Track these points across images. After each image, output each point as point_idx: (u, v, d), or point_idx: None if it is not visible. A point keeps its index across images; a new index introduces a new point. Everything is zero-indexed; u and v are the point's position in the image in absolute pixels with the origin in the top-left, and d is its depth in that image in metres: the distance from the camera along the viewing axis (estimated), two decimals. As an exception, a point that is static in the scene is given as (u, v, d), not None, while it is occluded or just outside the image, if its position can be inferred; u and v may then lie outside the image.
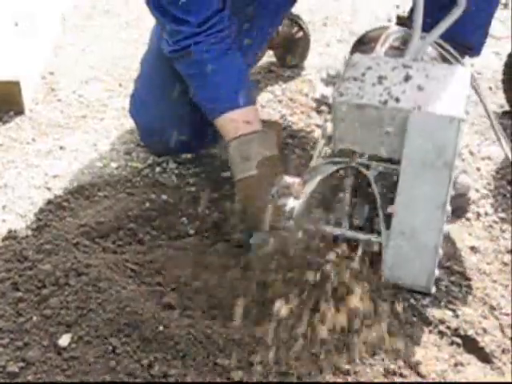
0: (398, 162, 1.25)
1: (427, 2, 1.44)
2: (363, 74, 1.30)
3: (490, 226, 1.59)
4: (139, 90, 1.72)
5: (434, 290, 1.29)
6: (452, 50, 1.49)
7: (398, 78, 1.28)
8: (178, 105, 1.58)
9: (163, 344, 1.16)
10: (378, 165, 1.28)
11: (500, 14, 2.44)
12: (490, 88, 2.18)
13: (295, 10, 2.06)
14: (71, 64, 2.20)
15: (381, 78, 1.28)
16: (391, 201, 1.26)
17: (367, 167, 1.29)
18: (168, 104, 1.60)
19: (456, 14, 1.43)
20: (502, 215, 1.63)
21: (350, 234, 1.31)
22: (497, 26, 2.39)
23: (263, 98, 2.05)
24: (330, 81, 1.50)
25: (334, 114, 1.28)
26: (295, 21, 2.19)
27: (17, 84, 1.90)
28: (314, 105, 1.96)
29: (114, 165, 1.74)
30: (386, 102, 1.23)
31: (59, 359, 1.14)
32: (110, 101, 2.02)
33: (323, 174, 1.32)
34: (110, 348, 1.15)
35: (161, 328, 1.17)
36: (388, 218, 1.26)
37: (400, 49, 1.43)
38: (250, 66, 1.81)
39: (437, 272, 1.28)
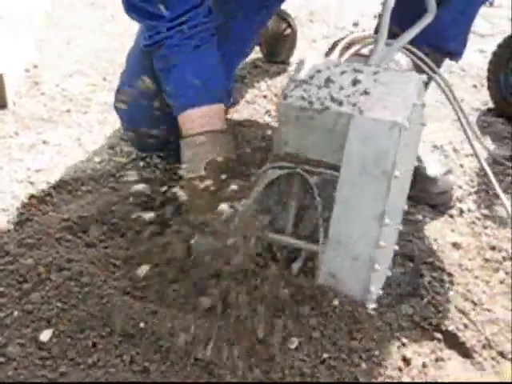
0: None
1: (407, 9, 1.40)
2: (311, 77, 1.24)
3: (473, 223, 1.60)
4: (124, 85, 1.71)
5: (371, 305, 1.21)
6: (424, 56, 1.44)
7: (346, 81, 1.22)
8: (163, 100, 1.57)
9: (145, 339, 1.15)
10: (321, 171, 1.22)
11: (485, 11, 2.46)
12: (475, 86, 2.20)
13: (282, 5, 2.06)
14: (55, 57, 2.18)
15: (328, 82, 1.22)
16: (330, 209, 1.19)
17: (312, 173, 1.23)
18: (152, 99, 1.59)
19: (426, 21, 1.39)
20: (485, 212, 1.64)
21: (293, 241, 1.25)
22: (481, 23, 2.41)
23: (249, 93, 2.05)
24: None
25: (279, 116, 1.24)
26: (283, 17, 2.20)
27: (0, 77, 1.88)
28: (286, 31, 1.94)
29: (97, 159, 1.73)
30: (328, 106, 1.18)
31: (40, 354, 1.14)
32: (94, 95, 2.01)
33: (268, 179, 1.26)
34: (91, 343, 1.15)
35: (142, 324, 1.17)
36: (326, 228, 1.20)
37: (367, 56, 1.37)
38: (238, 62, 1.80)
39: (379, 288, 1.23)
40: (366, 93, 1.18)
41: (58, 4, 2.50)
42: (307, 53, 1.82)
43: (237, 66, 1.83)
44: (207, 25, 1.50)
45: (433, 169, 1.64)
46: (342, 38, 1.45)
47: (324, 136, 1.20)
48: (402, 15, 1.42)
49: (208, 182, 1.37)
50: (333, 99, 1.19)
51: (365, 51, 1.39)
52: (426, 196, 1.63)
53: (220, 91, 1.53)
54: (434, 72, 1.44)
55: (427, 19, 1.40)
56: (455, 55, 1.67)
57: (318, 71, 1.25)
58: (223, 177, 1.39)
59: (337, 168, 1.18)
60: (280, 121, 1.24)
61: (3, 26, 2.11)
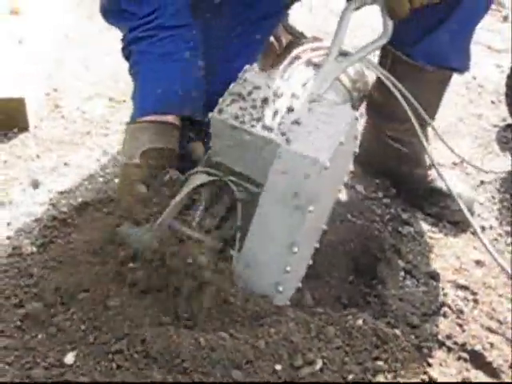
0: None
1: (411, 22, 1.41)
2: (249, 93, 1.25)
3: (495, 240, 1.59)
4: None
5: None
6: (385, 75, 1.44)
7: (282, 106, 1.22)
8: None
9: (169, 361, 1.15)
10: (245, 186, 1.25)
11: (500, 26, 2.45)
12: (493, 102, 2.19)
13: (296, 25, 2.08)
14: (74, 80, 2.21)
15: (264, 102, 1.23)
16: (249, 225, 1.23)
17: (237, 185, 1.26)
18: None
19: (378, 43, 1.38)
20: (507, 228, 1.63)
21: (199, 236, 1.27)
22: (497, 39, 2.40)
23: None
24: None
25: (212, 128, 1.26)
26: (297, 37, 2.20)
27: (21, 101, 1.91)
28: None
29: (117, 181, 1.74)
30: (258, 130, 1.20)
31: (64, 377, 1.14)
32: (114, 116, 2.02)
33: (196, 182, 1.29)
34: (115, 365, 1.15)
35: (167, 345, 1.17)
36: (243, 240, 1.23)
37: (317, 66, 1.38)
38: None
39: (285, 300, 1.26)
40: (297, 123, 1.20)
41: (76, 28, 2.53)
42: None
43: None
44: (180, 30, 1.46)
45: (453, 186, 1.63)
46: (299, 44, 1.49)
47: (252, 156, 1.23)
48: (402, 37, 1.43)
49: (140, 171, 1.37)
50: (264, 124, 1.20)
51: (316, 60, 1.40)
52: (447, 213, 1.63)
53: (182, 103, 1.47)
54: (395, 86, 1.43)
55: (380, 42, 1.38)
56: (460, 70, 1.67)
57: (257, 87, 1.26)
58: (161, 167, 1.37)
59: (260, 186, 1.21)
60: (212, 133, 1.26)
61: (23, 50, 2.15)
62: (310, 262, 1.31)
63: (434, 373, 1.19)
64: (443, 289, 1.38)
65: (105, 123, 2.00)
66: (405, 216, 1.64)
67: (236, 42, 1.65)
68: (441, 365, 1.21)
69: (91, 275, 1.31)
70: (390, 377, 1.14)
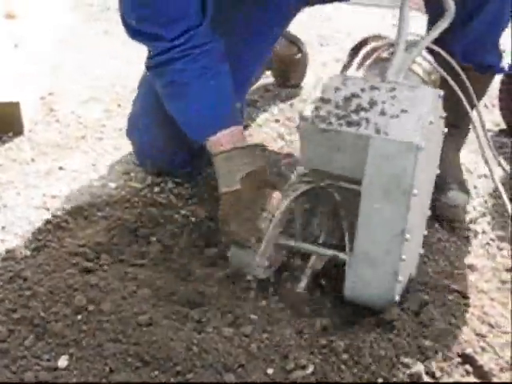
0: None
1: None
2: (330, 96, 1.27)
3: (488, 244, 1.60)
4: (136, 112, 1.73)
5: (396, 300, 1.29)
6: (449, 58, 1.44)
7: (364, 101, 1.25)
8: (174, 126, 1.59)
9: (162, 365, 1.16)
10: (344, 186, 1.28)
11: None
12: (486, 106, 2.20)
13: (292, 30, 2.09)
14: (70, 84, 2.21)
15: (347, 101, 1.26)
16: (354, 223, 1.25)
17: (336, 188, 1.29)
18: (164, 126, 1.61)
19: (445, 23, 1.38)
20: (500, 233, 1.63)
21: (318, 249, 1.35)
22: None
23: (261, 117, 2.06)
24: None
25: (300, 136, 1.28)
26: (293, 41, 2.22)
27: (16, 105, 1.91)
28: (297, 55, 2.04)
29: (112, 185, 1.74)
30: (347, 127, 1.22)
31: (58, 380, 1.14)
32: (109, 121, 2.03)
33: (294, 193, 1.33)
34: (108, 369, 1.15)
35: (160, 348, 1.17)
36: (351, 240, 1.27)
37: (386, 60, 1.39)
38: (247, 85, 1.81)
39: (397, 297, 1.29)
40: (383, 113, 1.22)
41: (72, 32, 2.54)
42: (322, 73, 1.83)
43: (247, 91, 1.84)
44: (211, 44, 1.48)
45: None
46: (361, 44, 1.48)
47: (345, 155, 1.25)
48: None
49: (245, 195, 1.41)
50: (351, 120, 1.22)
51: (385, 55, 1.41)
52: (438, 205, 1.62)
53: (237, 112, 1.54)
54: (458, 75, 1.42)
55: (446, 20, 1.37)
56: (494, 68, 1.69)
57: (337, 89, 1.28)
58: (259, 188, 1.42)
59: (359, 183, 1.23)
60: (302, 140, 1.29)
61: (19, 54, 2.15)
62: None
63: (427, 376, 1.19)
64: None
65: (100, 127, 2.00)
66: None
67: (247, 52, 1.67)
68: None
69: (84, 278, 1.31)
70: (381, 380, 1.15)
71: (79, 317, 1.23)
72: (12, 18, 2.33)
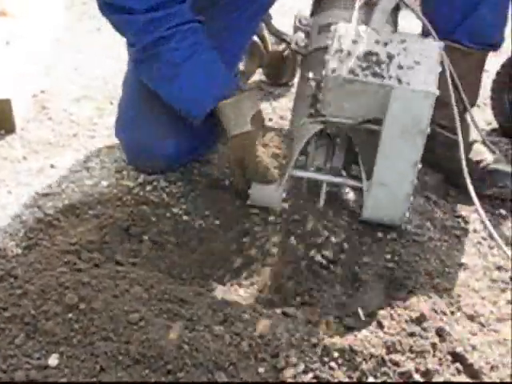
0: (376, 123, 1.45)
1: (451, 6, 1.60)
2: (350, 49, 1.44)
3: (479, 243, 1.60)
4: (122, 112, 1.73)
5: (408, 225, 1.56)
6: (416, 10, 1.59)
7: (381, 53, 1.44)
8: (162, 122, 1.59)
9: (153, 363, 1.16)
10: (358, 125, 1.46)
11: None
12: (478, 105, 2.20)
13: (280, 26, 2.08)
14: (62, 82, 2.20)
15: (367, 54, 1.44)
16: (370, 155, 1.47)
17: (350, 128, 1.48)
18: (151, 122, 1.61)
19: None
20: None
21: (334, 179, 1.55)
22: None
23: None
24: (302, 29, 1.66)
25: (325, 85, 1.43)
26: (283, 39, 2.21)
27: (8, 102, 1.91)
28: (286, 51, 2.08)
29: (104, 183, 1.74)
30: (371, 76, 1.41)
31: (48, 379, 1.14)
32: (101, 119, 2.02)
33: (312, 131, 1.51)
34: (99, 367, 1.15)
35: (150, 347, 1.17)
36: (369, 170, 1.49)
37: (369, 4, 1.56)
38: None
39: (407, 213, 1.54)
40: (399, 65, 1.42)
41: (64, 29, 2.53)
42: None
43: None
44: (195, 22, 1.52)
45: (505, 165, 1.75)
46: None
47: (366, 102, 1.44)
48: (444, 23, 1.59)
49: (254, 135, 1.53)
50: (374, 72, 1.41)
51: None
52: (507, 191, 1.71)
53: (234, 78, 1.61)
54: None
55: None
56: (497, 46, 1.75)
57: (355, 41, 1.46)
58: (263, 127, 1.57)
59: (373, 121, 1.45)
60: (325, 88, 1.44)
61: (11, 51, 2.14)
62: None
63: (417, 374, 1.20)
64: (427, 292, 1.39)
65: (92, 125, 1.99)
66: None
67: (221, 42, 1.65)
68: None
69: (75, 277, 1.31)
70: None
71: (70, 315, 1.23)
72: (4, 16, 2.32)
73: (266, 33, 2.06)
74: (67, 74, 2.25)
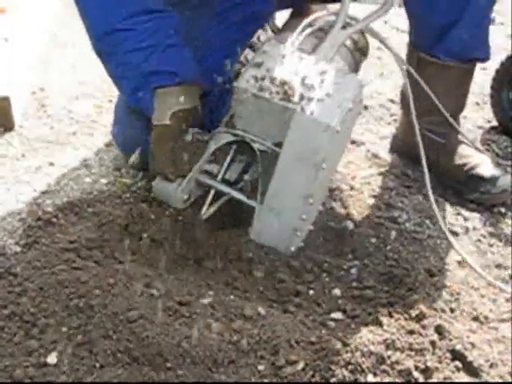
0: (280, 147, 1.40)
1: (429, 23, 1.60)
2: (268, 65, 1.41)
3: (478, 241, 1.61)
4: (118, 113, 1.73)
5: (292, 251, 1.47)
6: (386, 43, 1.59)
7: (297, 76, 1.38)
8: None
9: (152, 361, 1.16)
10: (266, 144, 1.43)
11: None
12: (477, 103, 2.21)
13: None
14: (61, 80, 2.20)
15: (281, 73, 1.38)
16: (269, 179, 1.42)
17: (258, 143, 1.44)
18: (143, 125, 1.61)
19: (381, 12, 1.53)
20: (490, 230, 1.64)
21: (233, 192, 1.50)
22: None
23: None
24: (257, 46, 1.59)
25: (236, 95, 1.43)
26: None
27: (6, 100, 1.90)
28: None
29: (103, 181, 1.74)
30: (278, 98, 1.38)
31: (47, 377, 1.14)
32: (100, 117, 2.02)
33: (221, 141, 1.49)
34: (98, 365, 1.15)
35: (149, 344, 1.17)
36: (264, 192, 1.43)
37: (326, 31, 1.51)
38: (213, 77, 1.76)
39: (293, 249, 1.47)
40: (309, 98, 1.36)
41: (63, 26, 2.53)
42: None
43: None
44: (158, 19, 1.50)
45: (489, 170, 1.73)
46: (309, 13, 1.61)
47: (270, 120, 1.41)
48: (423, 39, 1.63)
49: (171, 131, 1.51)
50: (284, 92, 1.37)
51: (323, 26, 1.53)
52: (488, 197, 1.70)
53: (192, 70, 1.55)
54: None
55: (384, 10, 1.52)
56: (483, 59, 1.75)
57: (276, 57, 1.41)
58: (187, 125, 1.53)
59: (278, 145, 1.40)
60: (236, 100, 1.43)
61: (9, 48, 2.14)
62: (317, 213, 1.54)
63: (416, 373, 1.19)
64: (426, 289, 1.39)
65: (91, 123, 1.99)
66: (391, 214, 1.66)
67: (216, 40, 1.67)
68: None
69: (74, 275, 1.31)
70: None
71: (69, 313, 1.23)
72: (2, 13, 2.32)
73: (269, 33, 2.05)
74: (66, 72, 2.25)
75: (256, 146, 1.45)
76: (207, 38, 1.63)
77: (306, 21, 1.51)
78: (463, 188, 1.74)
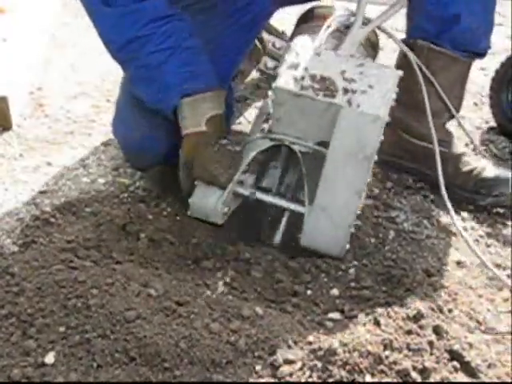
0: (325, 146, 1.39)
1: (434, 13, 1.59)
2: (305, 65, 1.40)
3: (476, 241, 1.60)
4: (119, 112, 1.73)
5: (345, 252, 1.45)
6: (399, 40, 1.61)
7: (336, 71, 1.39)
8: (156, 123, 1.58)
9: (150, 361, 1.16)
10: (308, 145, 1.41)
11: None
12: (476, 104, 2.21)
13: (280, 26, 2.09)
14: (59, 79, 2.20)
15: (320, 70, 1.39)
16: (316, 179, 1.39)
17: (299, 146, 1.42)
18: (145, 124, 1.61)
19: (396, 9, 1.54)
20: (488, 230, 1.64)
21: (278, 201, 1.47)
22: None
23: (250, 113, 2.06)
24: (274, 53, 1.58)
25: (275, 98, 1.40)
26: (283, 39, 2.21)
27: (4, 100, 1.90)
28: (258, 74, 2.03)
29: (101, 180, 1.74)
30: (322, 95, 1.36)
31: (45, 377, 1.14)
32: (98, 117, 2.02)
33: (259, 147, 1.44)
34: (96, 365, 1.15)
35: (147, 344, 1.17)
36: (312, 193, 1.41)
37: (341, 31, 1.54)
38: (228, 79, 1.79)
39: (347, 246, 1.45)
40: (353, 91, 1.37)
41: (61, 26, 2.52)
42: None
43: (229, 79, 1.83)
44: (174, 21, 1.50)
45: (495, 172, 1.71)
46: (314, 8, 1.71)
47: (314, 119, 1.39)
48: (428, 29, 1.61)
49: (208, 137, 1.48)
50: (326, 88, 1.37)
51: (340, 26, 1.56)
52: (504, 199, 1.66)
53: (212, 76, 1.55)
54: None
55: (399, 6, 1.54)
56: (482, 53, 1.73)
57: (311, 57, 1.42)
58: (221, 132, 1.51)
59: (322, 144, 1.39)
60: (275, 102, 1.40)
61: (8, 48, 2.14)
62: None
63: (414, 373, 1.19)
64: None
65: (89, 123, 1.99)
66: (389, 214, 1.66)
67: (229, 41, 1.67)
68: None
69: (72, 274, 1.31)
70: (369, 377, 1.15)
71: (67, 313, 1.23)
72: (1, 13, 2.32)
73: (264, 33, 2.06)
74: (64, 72, 2.25)
75: (297, 148, 1.42)
76: (220, 40, 1.63)
77: (326, 24, 1.54)
78: (475, 196, 1.69)
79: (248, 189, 1.48)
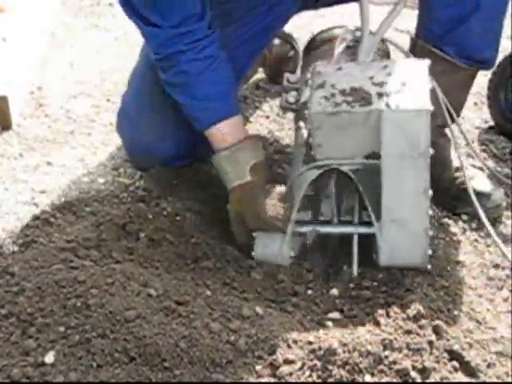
0: (376, 157, 1.34)
1: (442, 12, 1.57)
2: (331, 82, 1.37)
3: (476, 241, 1.61)
4: (127, 106, 1.72)
5: (429, 266, 1.39)
6: (400, 46, 1.58)
7: (364, 79, 1.36)
8: (162, 122, 1.58)
9: (150, 360, 1.16)
10: (357, 162, 1.37)
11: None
12: (475, 103, 2.21)
13: (285, 28, 2.08)
14: (59, 79, 2.20)
15: (348, 83, 1.35)
16: (375, 194, 1.34)
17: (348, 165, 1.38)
18: (152, 122, 1.61)
19: (399, 10, 1.51)
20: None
21: (344, 229, 1.41)
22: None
23: (251, 113, 2.06)
24: (291, 87, 1.56)
25: (311, 124, 1.36)
26: (287, 40, 2.22)
27: (4, 99, 1.90)
28: (281, 112, 2.01)
29: (101, 180, 1.74)
30: (357, 106, 1.32)
31: (44, 377, 1.14)
32: (98, 116, 2.02)
33: (307, 180, 1.40)
34: (96, 364, 1.15)
35: (147, 344, 1.17)
36: (376, 210, 1.35)
37: (352, 47, 1.52)
38: (239, 81, 1.81)
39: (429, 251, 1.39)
40: (386, 94, 1.33)
41: (61, 26, 2.53)
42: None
43: (239, 87, 1.84)
44: (213, 35, 1.52)
45: (483, 184, 1.67)
46: (317, 35, 1.70)
47: (355, 133, 1.34)
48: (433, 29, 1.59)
49: (255, 186, 1.47)
50: (359, 98, 1.33)
51: (349, 43, 1.53)
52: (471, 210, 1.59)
53: (237, 101, 1.58)
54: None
55: (400, 6, 1.50)
56: (488, 64, 1.71)
57: (334, 75, 1.39)
58: (266, 179, 1.51)
59: (371, 156, 1.35)
60: (312, 128, 1.36)
61: (7, 48, 2.14)
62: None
63: (413, 373, 1.19)
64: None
65: (89, 122, 1.99)
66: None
67: (238, 50, 1.67)
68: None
69: (72, 274, 1.31)
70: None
71: (66, 312, 1.23)
72: (1, 12, 2.32)
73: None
74: (63, 71, 2.25)
75: (346, 168, 1.37)
76: (231, 47, 1.61)
77: (336, 42, 1.52)
78: (456, 202, 1.67)
79: (308, 226, 1.44)
